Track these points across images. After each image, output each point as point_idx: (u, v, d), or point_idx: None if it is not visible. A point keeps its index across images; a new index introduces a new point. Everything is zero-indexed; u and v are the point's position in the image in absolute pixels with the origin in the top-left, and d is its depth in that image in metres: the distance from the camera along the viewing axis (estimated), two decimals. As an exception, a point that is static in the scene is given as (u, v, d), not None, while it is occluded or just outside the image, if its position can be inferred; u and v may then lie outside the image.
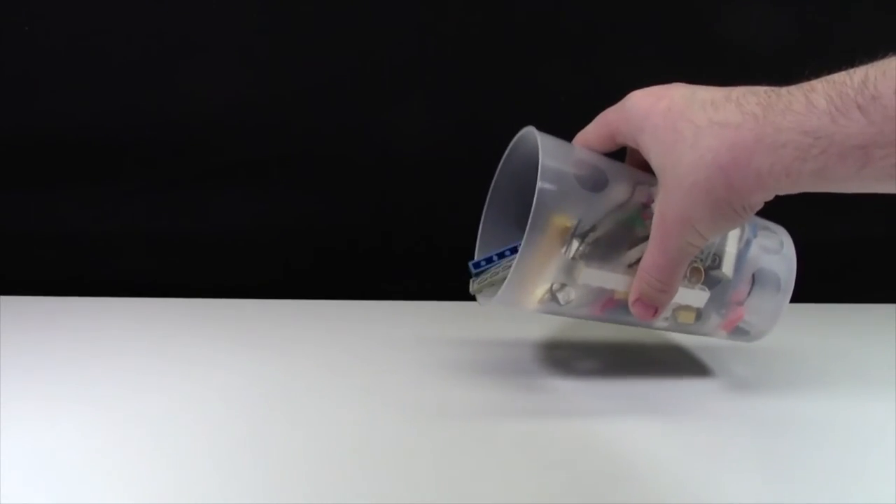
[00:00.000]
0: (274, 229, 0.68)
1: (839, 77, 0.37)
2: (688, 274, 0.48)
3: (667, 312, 0.48)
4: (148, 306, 0.63)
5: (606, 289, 0.47)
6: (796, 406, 0.49)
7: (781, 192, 0.40)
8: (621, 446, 0.43)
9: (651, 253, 0.44)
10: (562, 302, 0.47)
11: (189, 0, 0.62)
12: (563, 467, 0.41)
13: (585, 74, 0.66)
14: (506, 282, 0.44)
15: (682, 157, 0.41)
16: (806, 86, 0.38)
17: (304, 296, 0.66)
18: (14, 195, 0.65)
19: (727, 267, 0.49)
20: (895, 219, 0.70)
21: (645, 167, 0.45)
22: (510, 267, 0.44)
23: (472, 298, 0.50)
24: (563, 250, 0.45)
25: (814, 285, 0.55)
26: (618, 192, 0.46)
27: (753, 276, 0.50)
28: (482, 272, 0.49)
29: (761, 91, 0.40)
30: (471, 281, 0.50)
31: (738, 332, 0.52)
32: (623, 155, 0.49)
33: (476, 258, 0.51)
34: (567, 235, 0.44)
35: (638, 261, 0.45)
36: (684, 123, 0.41)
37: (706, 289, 0.49)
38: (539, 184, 0.43)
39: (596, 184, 0.46)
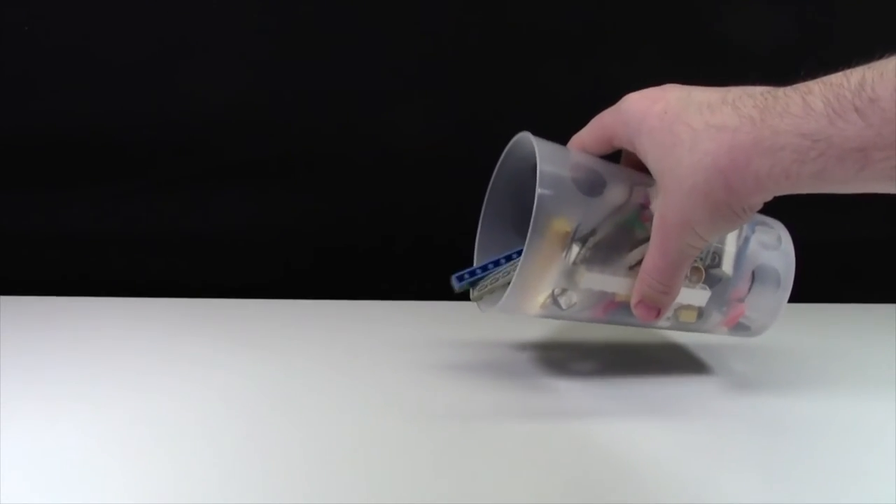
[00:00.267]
0: (274, 229, 0.68)
1: (836, 79, 0.37)
2: (688, 273, 0.48)
3: (668, 312, 0.48)
4: (148, 306, 0.63)
5: (608, 292, 0.47)
6: (796, 406, 0.49)
7: (781, 194, 0.40)
8: (621, 446, 0.43)
9: (652, 255, 0.44)
10: (564, 306, 0.47)
11: (189, 0, 0.62)
12: (564, 467, 0.41)
13: (585, 74, 0.66)
14: (509, 289, 0.44)
15: (680, 160, 0.41)
16: (802, 87, 0.38)
17: (304, 296, 0.66)
18: (14, 195, 0.65)
19: (727, 265, 0.49)
20: (895, 219, 0.70)
21: (641, 168, 0.45)
22: (510, 273, 0.44)
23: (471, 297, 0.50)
24: (564, 255, 0.45)
25: (814, 285, 0.55)
26: (615, 194, 0.46)
27: (753, 272, 0.50)
28: (477, 280, 0.49)
29: (757, 93, 0.40)
30: (470, 290, 0.50)
31: (740, 327, 0.52)
32: (617, 156, 0.49)
33: (474, 265, 0.51)
34: (567, 240, 0.44)
35: (639, 263, 0.45)
36: (681, 127, 0.41)
37: (707, 287, 0.49)
38: (539, 190, 0.43)
39: (593, 187, 0.46)
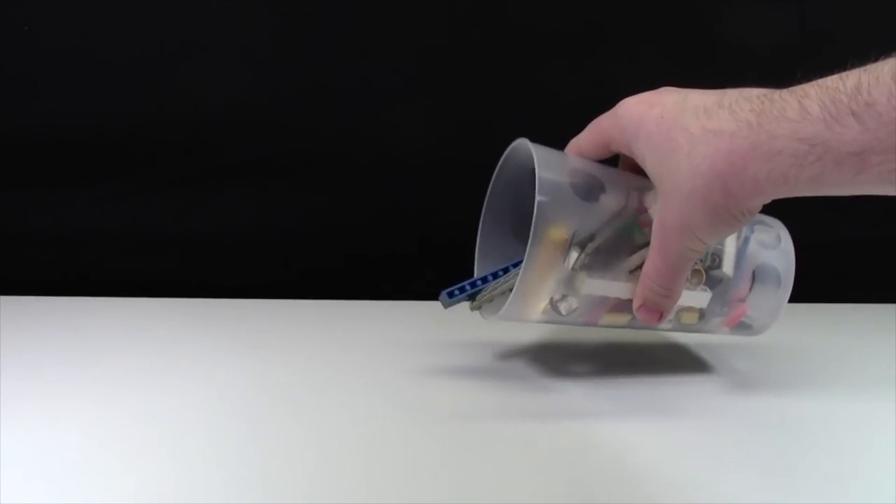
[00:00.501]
0: (274, 229, 0.68)
1: (832, 82, 0.37)
2: (689, 275, 0.48)
3: (670, 315, 0.48)
4: (148, 306, 0.63)
5: (609, 297, 0.47)
6: (796, 406, 0.49)
7: (779, 197, 0.40)
8: (622, 446, 0.43)
9: (652, 260, 0.44)
10: (564, 312, 0.47)
11: (189, 0, 0.62)
12: (564, 467, 0.41)
13: (585, 75, 0.66)
14: (510, 298, 0.44)
15: (678, 164, 0.41)
16: (799, 91, 0.38)
17: (304, 296, 0.66)
18: (14, 195, 0.65)
19: (727, 266, 0.49)
20: (895, 219, 0.70)
21: (638, 171, 0.45)
22: (509, 281, 0.44)
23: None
24: (563, 261, 0.45)
25: (814, 285, 0.55)
26: (614, 199, 0.46)
27: (754, 272, 0.50)
28: (473, 295, 0.49)
29: (753, 96, 0.40)
30: (469, 302, 0.50)
31: (741, 327, 0.52)
32: (614, 160, 0.49)
33: (475, 268, 0.52)
34: (565, 246, 0.44)
35: (639, 267, 0.45)
36: (678, 132, 0.41)
37: (708, 289, 0.49)
38: (538, 197, 0.43)
39: (591, 192, 0.46)
